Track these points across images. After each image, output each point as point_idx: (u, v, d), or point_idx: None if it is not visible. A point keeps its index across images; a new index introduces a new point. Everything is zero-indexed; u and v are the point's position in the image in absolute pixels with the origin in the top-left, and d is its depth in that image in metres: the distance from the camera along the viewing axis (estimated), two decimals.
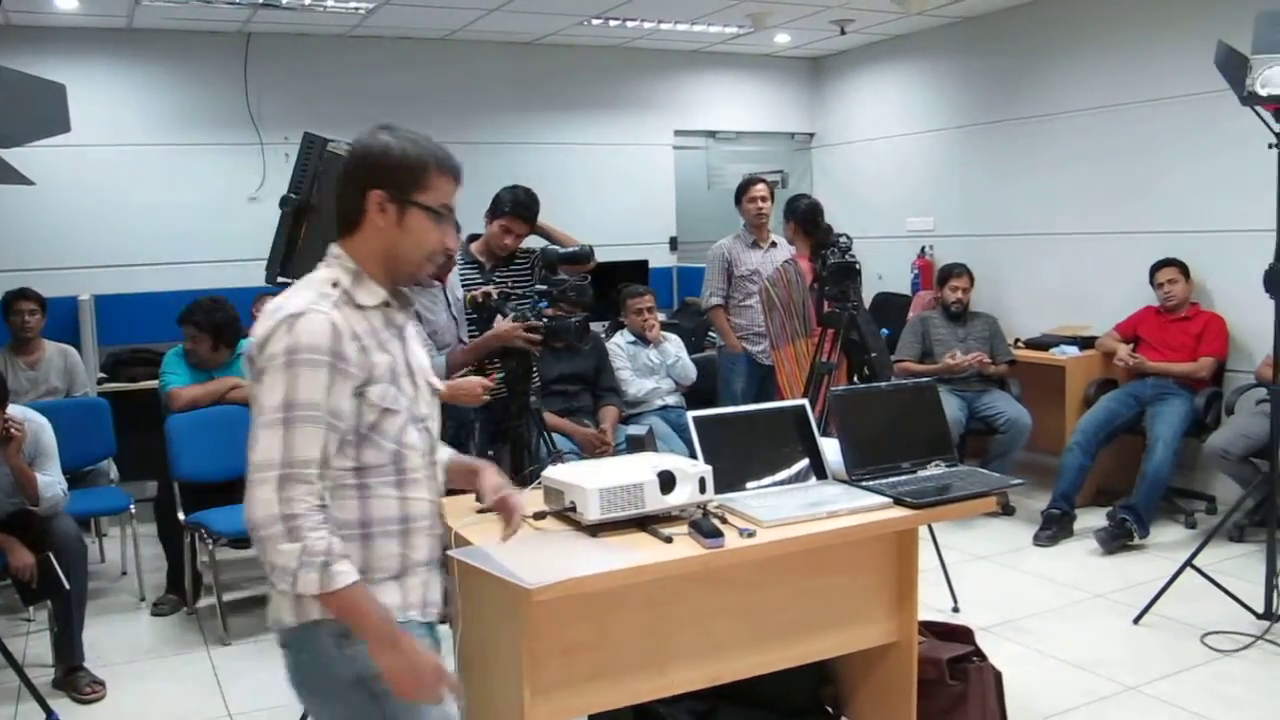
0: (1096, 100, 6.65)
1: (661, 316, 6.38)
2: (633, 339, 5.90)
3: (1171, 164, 6.17)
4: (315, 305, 1.92)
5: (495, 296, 4.26)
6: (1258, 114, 4.19)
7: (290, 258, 2.70)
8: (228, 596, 4.86)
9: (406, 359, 2.07)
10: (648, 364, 5.86)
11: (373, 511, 2.00)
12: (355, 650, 1.95)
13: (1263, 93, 4.12)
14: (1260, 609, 4.27)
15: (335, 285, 1.98)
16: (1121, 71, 6.48)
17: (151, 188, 6.81)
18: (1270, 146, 4.09)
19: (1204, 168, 5.96)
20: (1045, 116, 7.01)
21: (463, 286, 4.42)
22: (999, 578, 5.08)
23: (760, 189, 5.95)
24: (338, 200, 2.04)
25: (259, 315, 2.03)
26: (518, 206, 4.53)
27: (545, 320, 4.17)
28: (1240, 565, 4.96)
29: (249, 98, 7.03)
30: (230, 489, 4.86)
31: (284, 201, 2.69)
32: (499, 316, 4.16)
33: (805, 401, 3.31)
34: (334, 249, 2.04)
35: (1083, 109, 6.75)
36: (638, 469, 2.71)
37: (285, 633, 2.03)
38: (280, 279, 2.72)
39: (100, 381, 6.20)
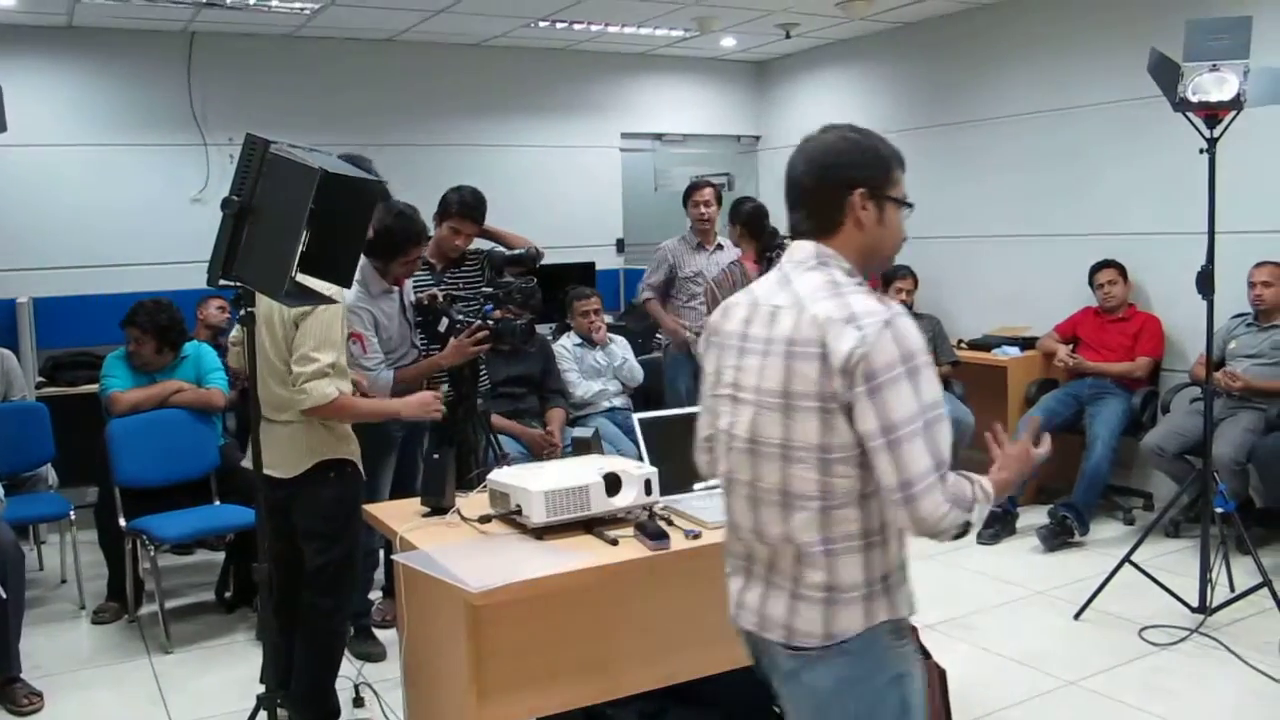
0: (1034, 105, 6.76)
1: (608, 318, 6.39)
2: (579, 341, 5.91)
3: (1107, 168, 6.29)
4: (888, 306, 1.89)
5: (441, 299, 4.25)
6: (1189, 120, 4.29)
7: (232, 260, 2.67)
8: (170, 604, 4.80)
9: None
10: (594, 366, 5.88)
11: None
12: (904, 646, 1.99)
13: (1194, 99, 4.22)
14: (1195, 603, 4.36)
15: (860, 285, 1.97)
16: (1058, 77, 6.59)
17: (92, 189, 6.71)
18: (1201, 151, 4.19)
19: (1138, 171, 6.08)
20: (985, 121, 7.12)
21: (416, 289, 4.42)
22: (944, 576, 5.14)
23: (706, 193, 5.99)
24: (810, 203, 2.02)
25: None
26: (464, 207, 4.53)
27: (492, 322, 4.18)
28: (1176, 560, 5.07)
29: (192, 98, 6.94)
30: (172, 494, 4.83)
31: (226, 203, 2.66)
32: (444, 320, 4.16)
33: None
34: (813, 248, 2.00)
35: (1021, 114, 6.85)
36: (583, 471, 2.73)
37: (850, 641, 1.94)
38: (222, 281, 2.70)
39: (39, 385, 6.09)
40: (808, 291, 1.95)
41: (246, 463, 3.30)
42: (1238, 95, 4.18)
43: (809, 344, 1.89)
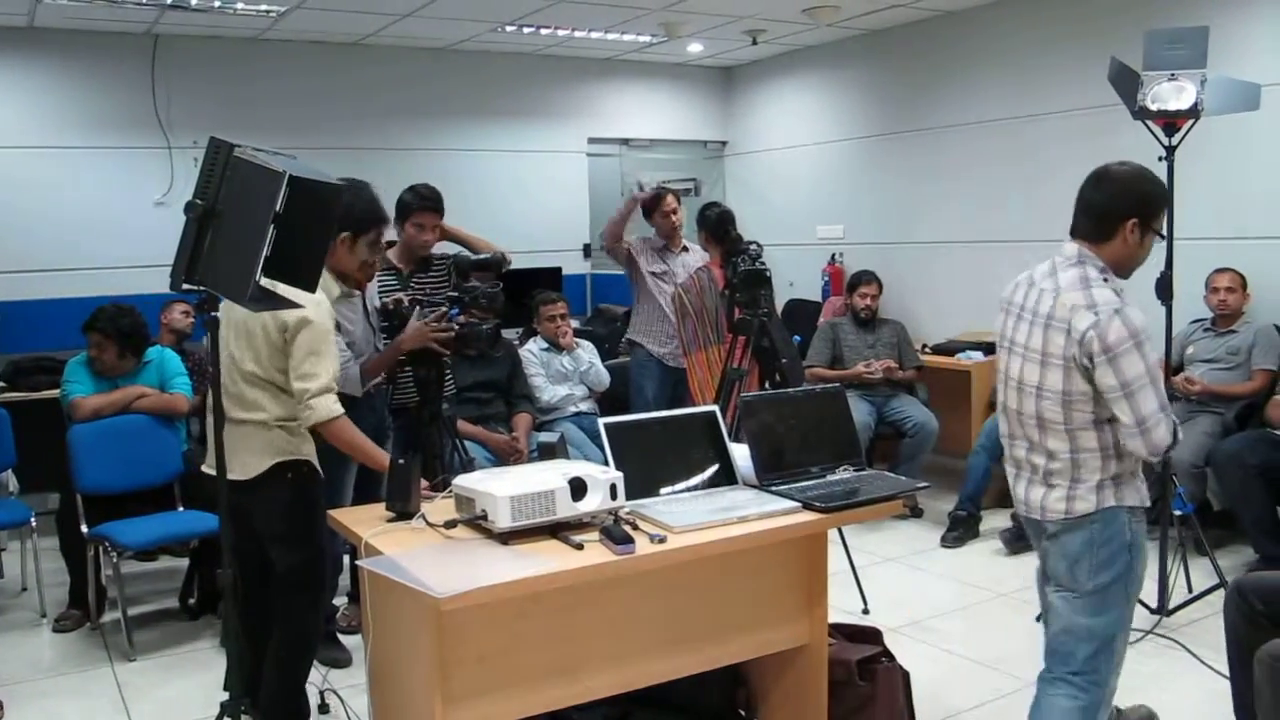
0: (997, 112, 6.84)
1: (575, 323, 6.39)
2: (546, 346, 5.91)
3: (1069, 174, 6.21)
4: (1120, 299, 2.68)
5: (406, 304, 4.24)
6: (1148, 128, 4.35)
7: (195, 264, 2.66)
8: (133, 611, 4.77)
9: None
10: (561, 371, 5.88)
11: None
12: (1138, 521, 2.79)
13: (1153, 107, 4.29)
14: (1154, 604, 4.41)
15: (1106, 281, 2.73)
16: (1021, 85, 6.67)
17: (54, 192, 6.65)
18: (1160, 159, 4.25)
19: None
20: (949, 127, 7.18)
21: (382, 293, 4.42)
22: (908, 579, 5.18)
23: (670, 201, 5.98)
24: (1095, 215, 2.82)
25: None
26: (422, 200, 4.53)
27: (458, 326, 4.17)
28: None
29: (156, 101, 6.90)
30: (135, 500, 4.78)
31: (189, 207, 2.65)
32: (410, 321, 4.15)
33: (716, 408, 3.35)
34: (1076, 249, 2.80)
35: (984, 120, 6.93)
36: (549, 476, 2.73)
37: (1091, 515, 2.75)
38: (185, 286, 2.68)
39: None
40: (1066, 283, 2.74)
41: (207, 468, 3.29)
42: (1195, 104, 4.26)
43: (1061, 321, 2.70)
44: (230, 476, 3.19)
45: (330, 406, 3.20)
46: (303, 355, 3.20)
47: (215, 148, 2.69)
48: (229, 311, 3.18)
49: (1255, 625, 2.96)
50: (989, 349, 6.53)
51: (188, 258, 2.64)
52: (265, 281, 2.74)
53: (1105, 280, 2.73)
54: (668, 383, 5.87)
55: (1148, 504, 2.84)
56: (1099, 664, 2.83)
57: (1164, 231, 2.87)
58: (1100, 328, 2.62)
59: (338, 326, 3.96)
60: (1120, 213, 2.76)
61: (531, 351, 5.88)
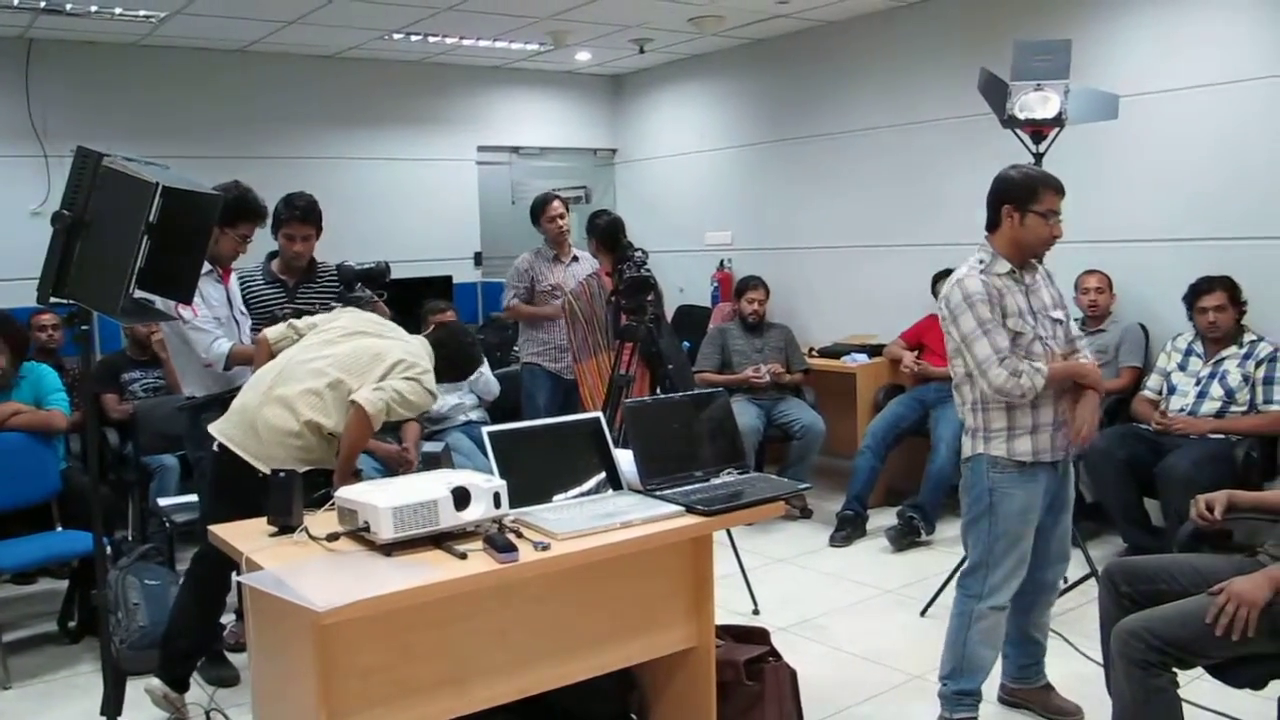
0: (878, 120, 7.01)
1: None
2: None
3: (947, 181, 6.55)
4: (969, 270, 3.32)
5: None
6: (1017, 135, 4.51)
7: (64, 277, 2.60)
8: (9, 636, 4.60)
9: (1029, 302, 3.35)
10: None
11: None
12: (998, 470, 3.34)
13: (1021, 116, 4.45)
14: None
15: (981, 262, 3.34)
16: (900, 94, 6.85)
17: None
18: None
19: (976, 185, 6.24)
20: (832, 135, 7.33)
21: (268, 306, 4.46)
22: (797, 579, 5.27)
23: (556, 206, 6.02)
24: (986, 205, 3.38)
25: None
26: (290, 210, 4.51)
27: None
28: None
29: (31, 108, 6.69)
30: (10, 521, 4.63)
31: (55, 218, 2.59)
32: None
33: (600, 414, 3.38)
34: (981, 242, 3.40)
35: (866, 128, 7.09)
36: (431, 486, 2.72)
37: (968, 459, 3.42)
38: (54, 299, 2.63)
39: None
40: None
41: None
42: (1060, 113, 4.43)
43: (943, 297, 3.37)
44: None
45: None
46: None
47: (83, 157, 2.65)
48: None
49: (1121, 608, 3.09)
50: (873, 351, 6.69)
51: (55, 270, 2.59)
52: (140, 293, 2.70)
53: (981, 263, 3.34)
54: (559, 391, 5.89)
55: (1023, 459, 3.32)
56: (971, 583, 3.45)
57: (1046, 212, 3.28)
58: (946, 294, 3.34)
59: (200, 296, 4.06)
60: (996, 202, 3.36)
61: None
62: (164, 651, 3.81)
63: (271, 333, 3.84)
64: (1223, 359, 5.06)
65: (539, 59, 8.17)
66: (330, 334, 3.68)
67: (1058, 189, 3.32)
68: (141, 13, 6.19)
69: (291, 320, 3.89)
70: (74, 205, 2.62)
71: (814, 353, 6.94)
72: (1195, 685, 3.20)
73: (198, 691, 3.93)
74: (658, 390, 4.87)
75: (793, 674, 3.52)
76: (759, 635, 3.63)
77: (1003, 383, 3.21)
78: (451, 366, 3.79)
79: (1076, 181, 5.69)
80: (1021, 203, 3.29)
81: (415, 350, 3.61)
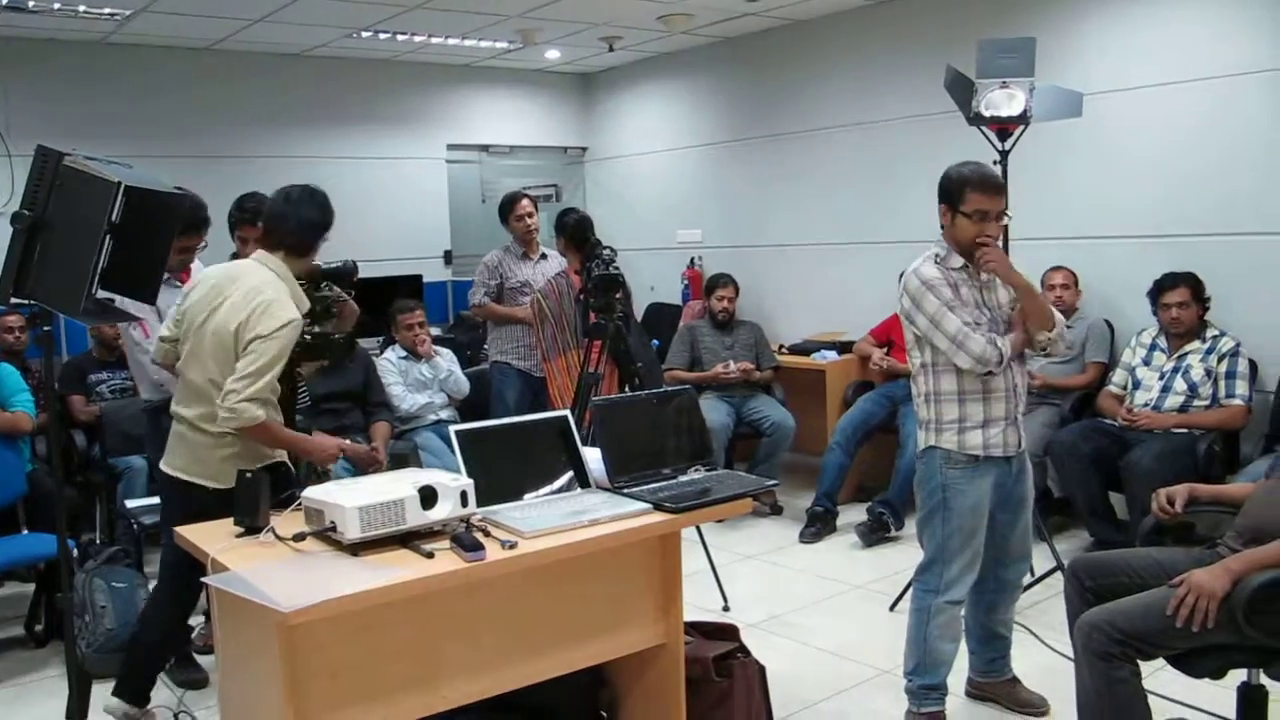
0: (846, 119, 7.04)
1: (436, 330, 6.36)
2: (404, 354, 5.87)
3: (914, 178, 6.55)
4: (924, 261, 3.41)
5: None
6: (983, 133, 4.54)
7: (25, 277, 2.58)
8: None
9: (983, 297, 3.42)
10: (420, 379, 5.84)
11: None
12: (952, 465, 3.40)
13: (986, 114, 4.48)
14: None
15: (936, 256, 3.40)
16: (868, 92, 6.88)
17: None
18: (994, 163, 4.44)
19: None
20: (801, 133, 7.36)
21: None
22: (767, 575, 5.29)
23: (525, 204, 6.01)
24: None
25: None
26: (241, 212, 4.48)
27: (308, 337, 4.11)
28: None
29: None
30: None
31: (15, 218, 2.57)
32: None
33: (567, 413, 3.39)
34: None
35: (834, 126, 7.12)
36: (398, 485, 2.72)
37: (921, 453, 3.48)
38: (14, 300, 2.61)
39: None
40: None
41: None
42: (1025, 111, 4.47)
43: (901, 290, 3.45)
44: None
45: (255, 413, 3.26)
46: (252, 360, 3.28)
47: (43, 156, 2.63)
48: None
49: (1086, 602, 3.13)
50: (843, 348, 6.72)
51: (15, 271, 2.56)
52: (103, 294, 2.68)
53: (937, 256, 3.42)
54: (529, 389, 5.89)
55: (974, 453, 3.38)
56: (928, 578, 3.50)
57: (974, 213, 3.30)
58: (904, 283, 3.42)
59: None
60: (939, 202, 3.43)
61: (389, 360, 5.83)
62: (128, 658, 3.71)
63: (159, 353, 3.62)
64: (1186, 354, 5.12)
65: (508, 57, 8.16)
66: (188, 328, 3.42)
67: (987, 189, 3.32)
68: (106, 10, 6.14)
69: (160, 334, 3.61)
70: (34, 205, 2.60)
71: (784, 350, 6.96)
72: (1157, 675, 3.24)
73: (166, 694, 3.91)
74: (626, 388, 4.87)
75: (762, 670, 3.53)
76: (728, 632, 3.64)
77: (982, 349, 3.25)
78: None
79: (1041, 179, 5.83)
80: (953, 202, 3.36)
81: (249, 291, 3.36)
